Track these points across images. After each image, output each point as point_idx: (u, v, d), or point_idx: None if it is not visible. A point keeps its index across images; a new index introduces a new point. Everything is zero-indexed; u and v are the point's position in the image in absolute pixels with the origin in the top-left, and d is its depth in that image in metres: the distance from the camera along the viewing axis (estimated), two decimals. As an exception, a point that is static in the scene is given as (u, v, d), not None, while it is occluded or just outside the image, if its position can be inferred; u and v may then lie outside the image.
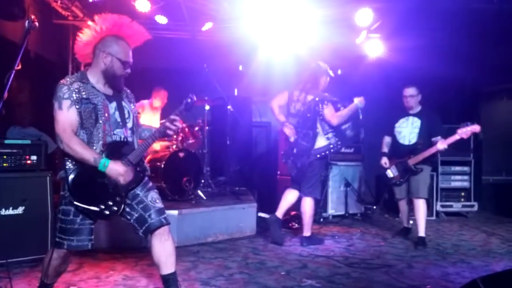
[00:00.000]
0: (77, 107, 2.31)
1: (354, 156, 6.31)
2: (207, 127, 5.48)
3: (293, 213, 5.41)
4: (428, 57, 6.02)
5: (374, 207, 6.45)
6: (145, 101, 5.57)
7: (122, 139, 2.46)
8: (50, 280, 2.53)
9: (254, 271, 3.49)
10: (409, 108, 4.76)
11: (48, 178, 3.65)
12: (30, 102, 4.89)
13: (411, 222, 4.96)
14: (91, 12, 5.40)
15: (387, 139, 4.91)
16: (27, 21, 2.15)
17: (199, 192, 5.07)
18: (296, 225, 5.27)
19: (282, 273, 3.46)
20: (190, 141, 5.19)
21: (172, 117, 2.55)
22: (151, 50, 5.76)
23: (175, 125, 2.54)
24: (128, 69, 2.49)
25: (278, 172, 6.01)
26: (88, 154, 2.28)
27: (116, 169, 2.32)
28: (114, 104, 2.46)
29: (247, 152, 6.42)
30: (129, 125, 2.53)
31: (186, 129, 5.18)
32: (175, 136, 5.06)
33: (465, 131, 4.30)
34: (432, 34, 5.87)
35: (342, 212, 6.06)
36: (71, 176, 2.31)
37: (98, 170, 2.30)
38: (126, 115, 2.52)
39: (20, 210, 3.48)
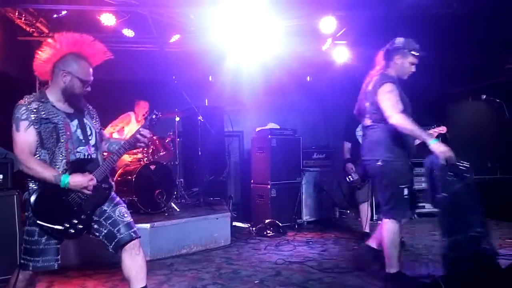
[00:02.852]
0: (36, 127, 2.29)
1: (325, 162, 6.41)
2: (178, 139, 5.48)
3: (267, 220, 5.47)
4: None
5: (348, 211, 6.56)
6: (131, 113, 5.50)
7: (86, 157, 2.44)
8: (17, 302, 2.48)
9: (228, 281, 3.49)
10: None
11: (15, 197, 3.55)
12: (-5, 120, 4.80)
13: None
14: (56, 27, 5.36)
15: (348, 145, 5.06)
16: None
17: (172, 204, 5.05)
18: (271, 232, 5.31)
19: (256, 281, 3.48)
20: (161, 153, 5.16)
21: (141, 130, 2.58)
22: (120, 63, 5.77)
23: (145, 137, 2.56)
24: (88, 88, 2.49)
25: (252, 181, 6.04)
26: (48, 173, 2.26)
27: (78, 181, 2.30)
28: (75, 122, 2.45)
29: (220, 161, 6.43)
30: (92, 142, 2.51)
31: (157, 141, 5.15)
32: (145, 149, 5.03)
33: (431, 133, 4.45)
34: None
35: (317, 218, 6.14)
36: (33, 197, 2.28)
37: (61, 188, 2.28)
38: (89, 132, 2.51)
39: (-14, 230, 3.39)
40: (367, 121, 3.30)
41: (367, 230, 5.06)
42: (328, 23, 5.16)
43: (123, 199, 4.56)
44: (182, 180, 6.38)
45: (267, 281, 3.49)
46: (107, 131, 5.06)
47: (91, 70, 2.50)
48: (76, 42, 2.44)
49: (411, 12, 5.21)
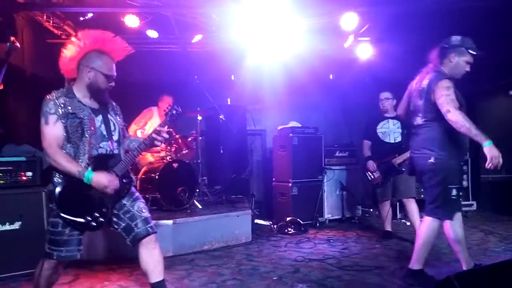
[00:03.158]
0: (63, 121, 2.39)
1: (349, 160, 6.37)
2: (200, 137, 5.55)
3: (288, 218, 5.48)
4: (415, 59, 6.08)
5: (371, 210, 6.49)
6: (154, 108, 5.62)
7: (108, 152, 2.53)
8: (42, 291, 2.60)
9: (247, 277, 3.53)
10: (385, 112, 4.94)
11: (43, 193, 3.72)
12: (27, 120, 5.01)
13: (408, 223, 5.00)
14: (83, 30, 5.53)
15: (368, 143, 5.01)
16: (8, 43, 2.25)
17: (195, 201, 5.13)
18: (292, 230, 5.32)
19: (274, 278, 3.51)
20: (184, 152, 5.26)
21: (158, 128, 2.64)
22: (144, 64, 5.93)
23: (161, 136, 2.63)
24: (112, 83, 2.57)
25: (273, 179, 6.07)
26: (73, 168, 2.36)
27: (100, 181, 2.39)
28: (100, 117, 2.54)
29: (242, 160, 6.49)
30: (115, 137, 2.60)
31: (180, 140, 5.25)
32: (169, 147, 5.15)
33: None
34: (418, 37, 5.93)
35: (339, 216, 6.11)
36: (57, 189, 2.39)
37: (84, 182, 2.37)
38: (112, 128, 2.59)
39: (16, 225, 3.56)
40: (419, 120, 3.24)
41: (388, 228, 5.01)
42: (350, 20, 5.12)
43: (147, 196, 4.75)
44: (205, 178, 6.48)
45: (286, 277, 3.51)
46: (131, 130, 5.20)
47: (114, 65, 2.59)
48: (98, 39, 2.53)
49: (436, 7, 5.09)
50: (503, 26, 5.26)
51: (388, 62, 6.17)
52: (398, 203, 5.99)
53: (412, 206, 4.71)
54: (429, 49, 6.14)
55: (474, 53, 3.18)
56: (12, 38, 2.28)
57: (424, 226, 3.20)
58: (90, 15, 5.24)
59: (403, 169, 4.72)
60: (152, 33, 5.75)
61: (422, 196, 6.17)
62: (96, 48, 2.53)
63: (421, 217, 4.38)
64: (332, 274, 3.57)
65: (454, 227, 3.13)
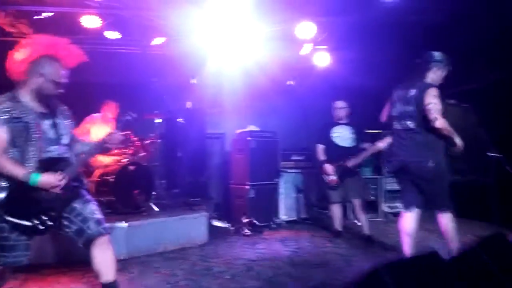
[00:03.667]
0: (7, 126, 2.38)
1: (305, 163, 6.56)
2: (158, 140, 5.57)
3: (245, 220, 5.59)
4: (370, 67, 6.40)
5: (326, 211, 6.70)
6: (97, 115, 5.58)
7: (57, 156, 2.54)
8: (-12, 295, 2.57)
9: (200, 277, 3.61)
10: (338, 118, 5.16)
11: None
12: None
13: (359, 223, 5.23)
14: (39, 28, 5.43)
15: (321, 147, 5.20)
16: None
17: (151, 204, 5.15)
18: (248, 231, 5.43)
19: (227, 277, 3.61)
20: (141, 154, 5.27)
21: (112, 133, 2.69)
22: (103, 65, 5.88)
23: (113, 142, 2.67)
24: (61, 89, 2.59)
25: (231, 182, 6.17)
26: (17, 171, 2.36)
27: (47, 181, 2.41)
28: (48, 122, 2.55)
29: (201, 163, 6.54)
30: (64, 141, 2.61)
31: (137, 143, 5.26)
32: (125, 150, 5.14)
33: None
34: (373, 45, 6.23)
35: (294, 218, 6.28)
36: (2, 194, 2.37)
37: (31, 186, 2.38)
38: (61, 132, 2.61)
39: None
40: (411, 125, 3.49)
41: (339, 228, 5.23)
42: (306, 29, 5.32)
43: (102, 199, 4.72)
44: (164, 181, 6.49)
45: (238, 276, 3.62)
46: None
47: (64, 72, 2.60)
48: (51, 45, 2.54)
49: (387, 19, 5.37)
50: (447, 40, 5.61)
51: (344, 70, 6.43)
52: (348, 204, 6.23)
53: (360, 206, 4.99)
54: (382, 58, 6.48)
55: (450, 68, 3.62)
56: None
57: (447, 222, 3.53)
58: (46, 14, 5.13)
59: (357, 170, 5.01)
60: (112, 34, 5.71)
61: (372, 197, 6.54)
62: (48, 54, 2.53)
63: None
64: (282, 272, 3.72)
65: (453, 218, 3.54)
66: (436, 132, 3.33)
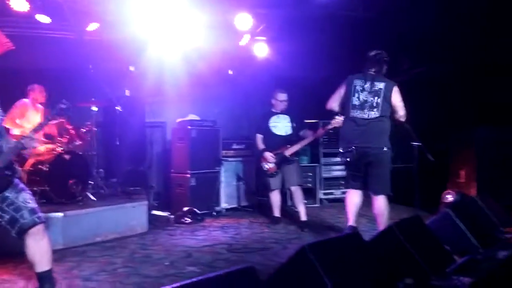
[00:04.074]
0: None
1: (245, 152, 6.71)
2: (95, 129, 5.44)
3: (185, 208, 5.65)
4: (307, 59, 6.64)
5: (266, 198, 6.92)
6: (26, 100, 5.30)
7: (-15, 144, 2.47)
8: None
9: (139, 264, 3.65)
10: (277, 108, 5.37)
11: None
12: None
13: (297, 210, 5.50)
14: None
15: (260, 136, 5.37)
16: None
17: (88, 193, 5.04)
18: (189, 219, 5.50)
19: (166, 263, 3.67)
20: (77, 143, 5.13)
21: (30, 135, 2.63)
22: (34, 50, 5.60)
23: (32, 143, 2.62)
24: None
25: (172, 170, 6.18)
26: None
27: None
28: (-24, 110, 2.47)
29: (141, 152, 6.48)
30: (-6, 129, 2.54)
31: (73, 131, 5.10)
32: (60, 138, 4.98)
33: (338, 120, 4.89)
34: (309, 38, 6.47)
35: (235, 205, 6.43)
36: None
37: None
38: (-10, 122, 2.53)
39: None
40: (373, 114, 3.93)
41: (277, 214, 5.46)
42: (244, 20, 5.41)
43: (35, 188, 4.56)
44: (102, 170, 6.35)
45: (177, 262, 3.70)
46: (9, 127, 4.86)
47: None
48: None
49: (320, 12, 5.61)
50: (375, 35, 5.97)
51: (283, 61, 6.62)
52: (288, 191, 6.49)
53: (298, 193, 5.21)
54: (317, 50, 6.74)
55: None
56: None
57: (383, 204, 4.00)
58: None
59: (295, 158, 5.21)
60: (43, 18, 5.44)
61: (309, 185, 6.85)
62: None
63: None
64: (221, 257, 3.85)
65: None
66: (399, 124, 3.93)
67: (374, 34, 5.86)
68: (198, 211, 5.68)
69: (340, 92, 4.15)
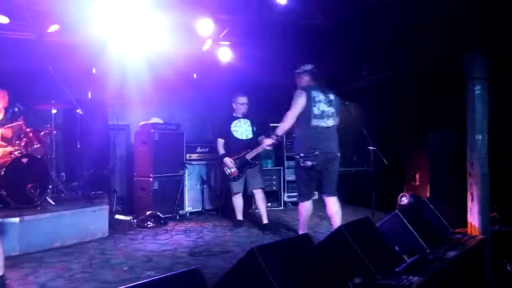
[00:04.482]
0: None
1: (210, 155, 6.74)
2: (55, 132, 5.35)
3: (148, 212, 5.64)
4: (270, 64, 6.76)
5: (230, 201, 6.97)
6: None
7: None
8: None
9: (97, 269, 3.63)
10: (239, 113, 5.46)
11: None
12: None
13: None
14: None
15: (222, 141, 5.44)
16: None
17: (47, 198, 4.95)
18: (151, 223, 5.49)
19: (125, 268, 3.67)
20: (36, 146, 5.02)
21: None
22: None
23: None
24: None
25: (135, 174, 6.15)
26: None
27: None
28: None
29: (103, 155, 6.37)
30: None
31: (31, 134, 4.99)
32: (18, 141, 4.88)
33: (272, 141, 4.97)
34: (272, 44, 6.58)
35: (199, 209, 6.46)
36: None
37: None
38: None
39: None
40: (330, 123, 4.30)
41: (240, 218, 5.53)
42: (206, 25, 5.45)
43: (-10, 193, 4.44)
44: (63, 174, 6.25)
45: (137, 267, 3.70)
46: None
47: None
48: None
49: (281, 19, 5.71)
50: (336, 42, 6.15)
51: (246, 65, 6.71)
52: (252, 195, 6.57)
53: (260, 196, 5.30)
54: (282, 56, 6.86)
55: None
56: None
57: (336, 204, 4.33)
58: None
59: (257, 162, 5.29)
60: (2, 18, 5.30)
61: (273, 188, 6.96)
62: None
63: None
64: (181, 261, 3.88)
65: None
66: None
67: (334, 41, 6.03)
68: (161, 215, 5.69)
69: (302, 103, 4.24)
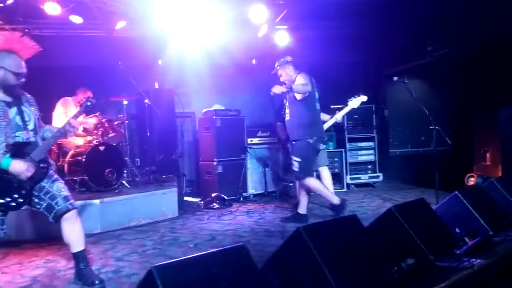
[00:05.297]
0: None
1: (270, 139, 6.90)
2: (127, 121, 5.82)
3: (213, 194, 5.95)
4: (332, 44, 6.70)
5: (291, 184, 7.10)
6: (69, 98, 5.76)
7: (24, 140, 2.81)
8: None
9: (166, 246, 3.98)
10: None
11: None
12: None
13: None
14: (4, 15, 5.53)
15: (281, 125, 5.46)
16: None
17: (123, 181, 5.44)
18: (217, 205, 5.80)
19: (191, 245, 3.97)
20: (111, 135, 5.52)
21: (70, 120, 2.94)
22: (69, 49, 6.03)
23: (73, 128, 2.93)
24: (22, 79, 2.82)
25: (200, 158, 6.49)
26: None
27: (17, 168, 2.68)
28: (14, 109, 2.80)
29: (171, 141, 6.82)
30: (30, 127, 2.88)
31: (106, 124, 5.49)
32: (95, 131, 5.40)
33: (355, 102, 5.07)
34: (333, 25, 6.52)
35: (262, 191, 6.67)
36: (-24, 175, 2.65)
37: (2, 168, 2.65)
38: (27, 118, 2.86)
39: None
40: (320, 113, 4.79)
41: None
42: (259, 11, 5.55)
43: (75, 178, 4.99)
44: (138, 159, 6.78)
45: (201, 245, 3.99)
46: (60, 121, 5.33)
47: (23, 63, 2.83)
48: (6, 39, 2.77)
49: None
50: (400, 17, 5.92)
51: (304, 48, 6.71)
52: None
53: (325, 173, 5.35)
54: (340, 36, 6.76)
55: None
56: None
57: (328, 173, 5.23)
58: (9, 1, 5.23)
59: None
60: (76, 19, 5.82)
61: (336, 170, 6.95)
62: (5, 48, 2.76)
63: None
64: (242, 240, 4.10)
65: None
66: None
67: (394, 16, 5.82)
68: (226, 197, 5.97)
69: (311, 86, 4.60)
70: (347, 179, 7.10)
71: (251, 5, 5.60)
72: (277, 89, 4.53)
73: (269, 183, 6.74)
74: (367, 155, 7.26)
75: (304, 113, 4.57)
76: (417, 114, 6.55)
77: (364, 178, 7.19)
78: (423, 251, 2.67)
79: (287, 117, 4.77)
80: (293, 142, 4.68)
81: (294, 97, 4.61)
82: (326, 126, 5.25)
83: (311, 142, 4.53)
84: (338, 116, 5.24)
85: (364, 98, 5.14)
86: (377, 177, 7.22)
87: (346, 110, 5.19)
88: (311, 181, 4.68)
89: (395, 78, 4.83)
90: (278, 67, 4.88)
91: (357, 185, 7.20)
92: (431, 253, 2.68)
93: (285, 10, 6.11)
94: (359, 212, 5.18)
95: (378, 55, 7.28)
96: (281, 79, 4.83)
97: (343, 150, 7.07)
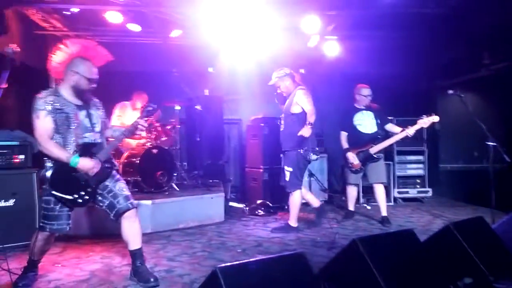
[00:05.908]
0: (52, 116, 2.84)
1: (318, 149, 6.84)
2: (178, 126, 6.02)
3: (259, 201, 6.01)
4: (384, 56, 6.63)
5: (338, 194, 7.05)
6: (127, 103, 6.05)
7: (91, 141, 3.00)
8: (37, 257, 3.10)
9: (215, 250, 4.07)
10: (363, 105, 5.37)
11: (34, 174, 4.17)
12: (16, 107, 5.39)
13: (368, 207, 5.59)
14: (69, 22, 5.91)
15: (345, 134, 5.43)
16: (9, 50, 2.69)
17: (173, 184, 5.62)
18: (262, 212, 5.85)
19: (239, 250, 4.04)
20: (163, 139, 5.73)
21: (137, 120, 3.12)
22: (128, 56, 6.34)
23: (140, 128, 3.10)
24: (94, 84, 3.02)
25: (246, 165, 6.58)
26: (61, 154, 2.83)
27: (85, 165, 2.87)
28: (83, 112, 3.01)
29: (219, 147, 6.97)
30: (97, 129, 3.07)
31: (159, 128, 5.71)
32: (149, 135, 5.62)
33: (425, 121, 4.92)
34: (385, 35, 6.45)
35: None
36: (49, 172, 2.86)
37: (71, 166, 2.84)
38: (94, 121, 3.06)
39: (11, 202, 4.02)
40: None
41: (352, 208, 5.58)
42: (312, 22, 5.58)
43: (129, 179, 5.22)
44: (186, 163, 6.97)
45: (248, 250, 4.05)
46: (116, 122, 5.64)
47: (95, 69, 3.03)
48: (82, 47, 2.98)
49: (390, 10, 5.58)
50: (452, 29, 5.78)
51: (353, 58, 6.68)
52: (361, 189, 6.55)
53: (380, 190, 5.29)
54: (390, 47, 6.68)
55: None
56: (12, 45, 2.73)
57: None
58: (75, 10, 5.58)
59: (380, 155, 5.25)
60: (134, 27, 6.11)
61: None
62: (80, 55, 2.97)
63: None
64: (288, 248, 4.13)
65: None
66: None
67: (447, 29, 5.69)
68: (271, 204, 6.01)
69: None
70: (395, 192, 6.94)
71: (304, 15, 5.64)
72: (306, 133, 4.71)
73: (314, 192, 6.69)
74: (416, 169, 7.09)
75: (297, 126, 4.69)
76: (470, 128, 6.36)
77: (413, 192, 7.00)
78: (482, 271, 2.60)
79: (282, 128, 4.98)
80: (285, 152, 4.87)
81: (289, 109, 4.77)
82: (396, 138, 5.12)
83: (301, 152, 4.68)
84: (410, 131, 5.01)
85: (436, 118, 4.92)
86: (426, 192, 7.01)
87: (416, 127, 5.02)
88: (296, 195, 4.84)
89: (450, 92, 4.69)
90: (277, 78, 4.94)
91: (404, 199, 7.02)
92: (490, 274, 2.60)
93: (335, 22, 6.11)
94: (408, 227, 5.04)
95: (430, 67, 7.11)
96: (279, 91, 4.98)
97: (391, 162, 6.93)
